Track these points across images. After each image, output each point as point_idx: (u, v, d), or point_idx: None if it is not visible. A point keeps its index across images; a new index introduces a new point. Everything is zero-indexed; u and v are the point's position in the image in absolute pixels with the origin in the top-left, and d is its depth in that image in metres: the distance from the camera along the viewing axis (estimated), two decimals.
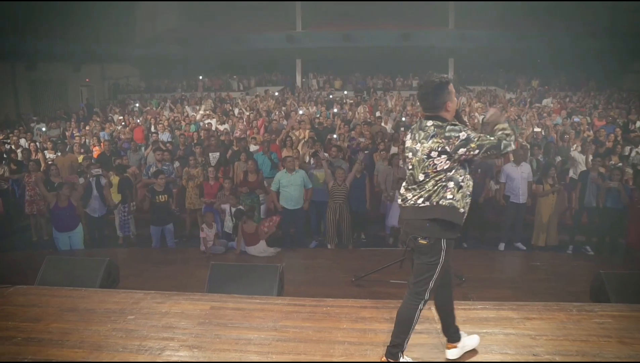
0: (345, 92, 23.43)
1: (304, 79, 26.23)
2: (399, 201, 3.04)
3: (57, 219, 7.24)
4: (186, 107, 17.31)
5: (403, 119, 14.05)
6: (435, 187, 2.83)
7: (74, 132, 13.34)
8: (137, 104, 19.04)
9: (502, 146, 2.79)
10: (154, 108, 18.06)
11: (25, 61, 18.38)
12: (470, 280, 5.89)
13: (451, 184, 2.83)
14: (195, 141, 11.02)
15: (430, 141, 2.81)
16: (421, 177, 2.86)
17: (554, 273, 6.36)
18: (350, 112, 15.61)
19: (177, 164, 9.39)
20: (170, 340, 3.44)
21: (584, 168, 8.59)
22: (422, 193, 2.86)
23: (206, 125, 13.13)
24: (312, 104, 18.03)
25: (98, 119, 14.98)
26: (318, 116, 14.50)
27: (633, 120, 12.91)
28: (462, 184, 2.87)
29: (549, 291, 5.48)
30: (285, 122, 13.95)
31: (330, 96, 21.50)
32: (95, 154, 10.74)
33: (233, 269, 4.67)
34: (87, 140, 12.06)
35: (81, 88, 22.73)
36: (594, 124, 12.49)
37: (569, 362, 3.10)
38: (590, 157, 8.49)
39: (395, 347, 2.95)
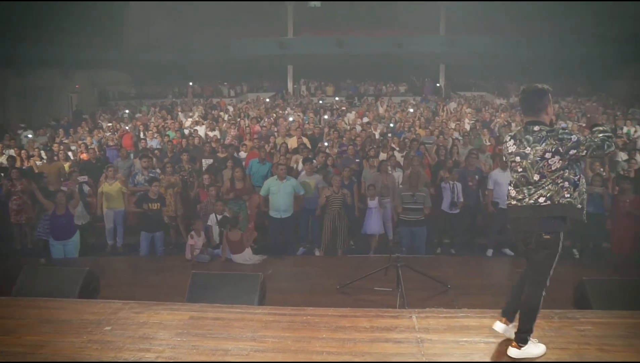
0: (337, 98, 23.45)
1: (295, 86, 26.23)
2: (512, 202, 3.27)
3: (55, 228, 7.18)
4: (178, 114, 17.23)
5: (391, 125, 14.06)
6: (555, 186, 3.11)
7: (62, 139, 13.24)
8: (127, 111, 18.95)
9: (605, 147, 3.07)
10: (145, 115, 18.01)
11: (14, 67, 18.26)
12: (456, 286, 5.87)
13: (567, 184, 3.12)
14: (183, 148, 10.95)
15: (544, 144, 3.11)
16: (536, 177, 3.14)
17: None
18: (340, 119, 15.61)
19: (159, 171, 9.28)
20: (147, 351, 3.38)
21: None
22: (542, 192, 3.13)
23: (193, 132, 13.04)
24: (301, 110, 18.01)
25: (87, 127, 14.89)
26: (307, 122, 14.48)
27: (620, 125, 12.99)
28: (577, 183, 3.14)
29: None
30: (275, 128, 13.94)
31: (321, 102, 21.52)
32: (82, 161, 10.65)
33: (214, 278, 4.62)
34: (74, 147, 11.96)
35: (70, 95, 22.60)
36: (582, 130, 12.53)
37: None
38: None
39: (526, 332, 3.23)
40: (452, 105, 19.03)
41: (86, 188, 7.96)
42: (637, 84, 21.39)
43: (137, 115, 18.17)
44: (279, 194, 7.73)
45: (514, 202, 3.25)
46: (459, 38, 23.77)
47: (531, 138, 3.15)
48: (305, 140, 11.36)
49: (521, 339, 3.22)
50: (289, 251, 7.97)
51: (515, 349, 3.23)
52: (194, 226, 7.56)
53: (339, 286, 5.88)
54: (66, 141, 12.86)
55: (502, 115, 15.10)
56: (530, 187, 3.16)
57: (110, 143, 12.40)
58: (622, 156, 9.67)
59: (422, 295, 5.57)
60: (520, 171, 3.20)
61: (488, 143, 11.15)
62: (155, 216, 7.66)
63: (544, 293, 3.21)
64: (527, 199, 3.17)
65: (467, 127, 13.44)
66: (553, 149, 3.07)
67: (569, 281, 4.91)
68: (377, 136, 12.73)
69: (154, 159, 9.33)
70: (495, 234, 8.14)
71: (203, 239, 7.44)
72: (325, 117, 16.37)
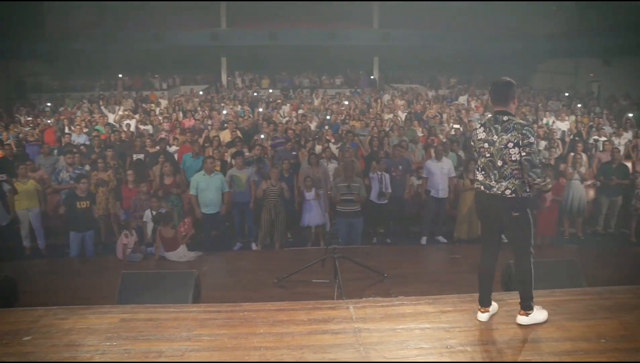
0: (271, 90, 23.26)
1: (229, 78, 25.74)
2: (481, 187, 3.56)
3: None
4: (103, 108, 16.38)
5: (328, 117, 14.13)
6: (519, 181, 3.41)
7: None
8: (49, 104, 17.80)
9: (534, 176, 3.36)
10: (69, 108, 16.99)
11: None
12: (392, 275, 6.00)
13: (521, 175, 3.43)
14: (111, 143, 10.44)
15: (509, 134, 3.39)
16: (500, 163, 3.44)
17: (472, 265, 6.59)
18: (275, 111, 15.49)
19: (87, 167, 8.82)
20: (73, 358, 3.19)
21: None
22: (509, 184, 3.43)
23: (125, 126, 12.50)
24: (237, 103, 17.70)
25: (2, 122, 13.82)
26: (242, 115, 14.25)
27: (540, 117, 13.77)
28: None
29: (467, 282, 5.63)
30: (210, 122, 13.61)
31: (255, 94, 21.26)
32: None
33: (146, 277, 4.44)
34: None
35: None
36: None
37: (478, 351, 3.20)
38: None
39: (529, 299, 3.51)
40: (386, 97, 19.38)
41: (6, 187, 7.38)
42: (555, 78, 22.84)
43: (60, 109, 17.10)
44: (208, 190, 7.58)
45: (482, 187, 3.55)
46: (392, 32, 24.22)
47: (499, 127, 3.44)
48: (239, 133, 11.17)
49: (527, 306, 3.50)
50: (225, 247, 7.83)
51: (523, 317, 3.50)
52: (124, 224, 7.25)
53: (277, 280, 5.85)
54: None
55: (434, 107, 15.56)
56: (495, 172, 3.47)
57: (30, 139, 11.60)
58: (543, 144, 10.24)
59: (359, 285, 5.65)
60: (488, 156, 3.50)
61: (421, 134, 11.45)
62: (84, 215, 7.24)
63: (532, 259, 3.54)
64: (495, 189, 3.47)
65: (401, 118, 13.74)
66: (515, 141, 3.37)
67: (500, 265, 5.15)
68: (313, 129, 12.74)
69: (79, 156, 8.78)
70: (429, 222, 8.39)
71: (135, 237, 7.15)
72: (260, 110, 16.19)
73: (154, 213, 7.46)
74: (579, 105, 16.42)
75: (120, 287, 4.19)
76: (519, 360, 3.12)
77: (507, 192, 3.43)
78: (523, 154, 3.35)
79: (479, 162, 3.59)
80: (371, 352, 3.21)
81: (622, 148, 10.57)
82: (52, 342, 3.40)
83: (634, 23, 17.58)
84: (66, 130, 12.69)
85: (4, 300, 4.17)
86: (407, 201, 8.65)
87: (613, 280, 4.65)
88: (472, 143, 3.64)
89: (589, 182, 8.74)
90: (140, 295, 4.10)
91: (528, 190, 3.46)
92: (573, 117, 13.42)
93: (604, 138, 10.83)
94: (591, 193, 8.77)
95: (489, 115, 3.54)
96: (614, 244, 8.36)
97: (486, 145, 3.49)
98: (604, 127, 11.91)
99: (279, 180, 7.81)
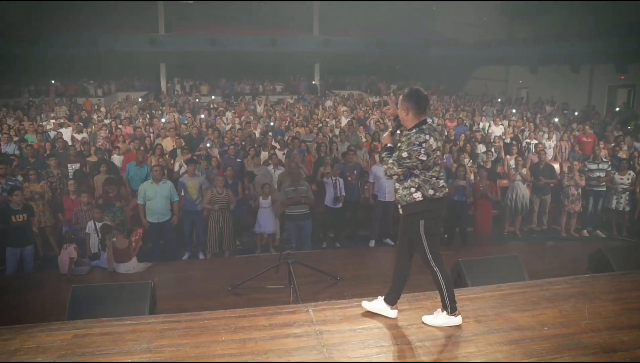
0: (213, 97, 22.95)
1: (168, 84, 25.14)
2: (445, 190, 3.54)
3: None
4: (39, 115, 15.54)
5: (272, 124, 14.17)
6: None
7: None
8: None
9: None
10: None
11: None
12: (344, 278, 6.11)
13: None
14: (48, 153, 9.95)
15: (440, 139, 3.54)
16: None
17: (419, 265, 6.83)
18: (218, 118, 15.34)
19: (20, 178, 8.36)
20: None
21: None
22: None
23: (58, 134, 11.92)
24: (178, 110, 17.35)
25: None
26: (185, 122, 14.00)
27: (477, 121, 14.47)
28: None
29: (416, 282, 5.85)
30: (151, 129, 13.28)
31: (197, 100, 20.92)
32: None
33: (98, 290, 4.28)
34: None
35: None
36: (446, 126, 13.77)
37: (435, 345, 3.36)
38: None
39: (443, 300, 3.59)
40: (328, 103, 19.68)
41: None
42: (489, 84, 24.07)
43: None
44: (156, 199, 7.41)
45: (445, 191, 3.57)
46: (332, 38, 24.61)
47: (437, 133, 3.53)
48: (179, 141, 10.97)
49: (454, 309, 3.61)
50: (173, 257, 7.67)
51: (427, 316, 3.69)
52: (66, 237, 6.92)
53: (231, 288, 5.81)
54: None
55: (376, 113, 15.96)
56: (443, 175, 3.58)
57: None
58: (481, 148, 10.79)
59: (313, 289, 5.72)
60: (440, 163, 3.56)
61: (364, 140, 11.73)
62: (21, 229, 6.85)
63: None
64: (446, 190, 3.58)
65: (344, 124, 14.00)
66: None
67: (446, 264, 5.38)
68: (257, 135, 12.73)
69: (12, 166, 8.31)
70: (377, 226, 8.61)
71: (76, 250, 6.84)
72: (202, 116, 15.97)
73: (98, 224, 7.19)
74: (514, 110, 17.41)
75: (70, 302, 4.02)
76: (471, 351, 3.30)
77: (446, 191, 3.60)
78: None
79: (434, 171, 3.47)
80: (334, 353, 3.29)
81: (550, 151, 11.35)
82: None
83: (555, 34, 18.96)
84: None
85: None
86: (360, 205, 8.86)
87: (550, 273, 5.00)
88: (426, 156, 3.37)
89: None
90: (93, 309, 3.96)
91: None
92: (506, 122, 14.20)
93: (535, 141, 11.55)
94: (527, 192, 9.35)
95: (429, 122, 3.50)
96: (548, 239, 8.97)
97: (438, 152, 3.52)
98: (536, 131, 12.70)
99: (224, 187, 7.76)
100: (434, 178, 3.48)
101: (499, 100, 20.80)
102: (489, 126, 13.80)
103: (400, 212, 3.63)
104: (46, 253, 7.78)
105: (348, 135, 11.94)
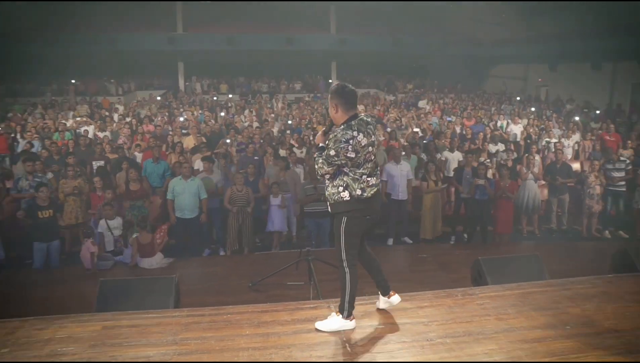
0: (230, 95, 23.13)
1: (187, 83, 25.41)
2: (375, 189, 3.43)
3: None
4: (61, 113, 15.86)
5: (289, 122, 14.24)
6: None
7: None
8: None
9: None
10: (18, 114, 16.32)
11: None
12: (363, 275, 6.09)
13: None
14: (70, 150, 10.16)
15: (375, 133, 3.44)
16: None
17: (439, 263, 6.87)
18: (236, 117, 15.47)
19: (50, 175, 8.56)
20: None
21: (455, 165, 9.42)
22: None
23: (82, 132, 12.16)
24: (197, 108, 17.54)
25: None
26: (203, 121, 14.16)
27: (495, 120, 14.37)
28: None
29: (436, 280, 5.91)
30: (169, 127, 13.45)
31: (215, 98, 21.11)
32: None
33: (124, 284, 4.39)
34: None
35: None
36: (464, 125, 13.70)
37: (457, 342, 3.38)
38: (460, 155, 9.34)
39: (341, 302, 3.57)
40: None
41: None
42: (507, 82, 23.84)
43: (9, 115, 16.40)
44: (184, 195, 7.53)
45: (375, 189, 3.45)
46: (349, 37, 24.62)
47: (372, 128, 3.39)
48: (202, 138, 11.11)
49: (340, 308, 3.58)
50: (194, 253, 7.79)
51: (319, 321, 3.62)
52: (86, 232, 7.08)
53: (251, 284, 5.89)
54: None
55: (394, 111, 15.94)
56: (377, 172, 3.48)
57: None
58: (501, 146, 10.72)
59: (333, 286, 5.69)
60: (373, 159, 3.43)
61: (382, 138, 11.73)
62: (48, 225, 7.01)
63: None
64: (376, 189, 3.47)
65: None
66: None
67: (465, 262, 5.41)
68: (275, 134, 12.81)
69: (39, 163, 8.50)
70: (393, 224, 8.61)
71: (94, 244, 6.98)
72: (222, 114, 16.12)
73: (109, 221, 7.33)
74: (532, 108, 17.22)
75: (98, 295, 4.13)
76: (492, 348, 3.32)
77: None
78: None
79: (365, 168, 3.37)
80: (356, 348, 3.33)
81: (570, 150, 11.23)
82: (33, 352, 3.33)
83: (576, 31, 18.66)
84: (18, 137, 12.24)
85: None
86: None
87: (572, 273, 4.97)
88: (354, 153, 3.27)
89: (542, 182, 9.24)
90: (120, 302, 4.06)
91: None
92: (525, 120, 14.08)
93: (554, 140, 11.45)
94: (545, 192, 9.26)
95: (361, 116, 3.39)
96: (569, 240, 8.87)
97: (370, 148, 3.38)
98: (553, 129, 12.58)
99: (244, 185, 7.85)
100: (364, 176, 3.37)
101: (518, 98, 20.59)
102: (507, 124, 13.70)
103: (329, 210, 3.54)
104: (73, 248, 7.93)
105: None
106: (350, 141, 3.25)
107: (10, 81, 23.10)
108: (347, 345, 3.37)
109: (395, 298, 3.79)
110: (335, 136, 3.29)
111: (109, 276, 5.80)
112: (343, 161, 3.30)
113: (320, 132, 3.59)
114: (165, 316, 3.85)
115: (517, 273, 4.58)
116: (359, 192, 3.36)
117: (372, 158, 3.41)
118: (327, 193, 3.49)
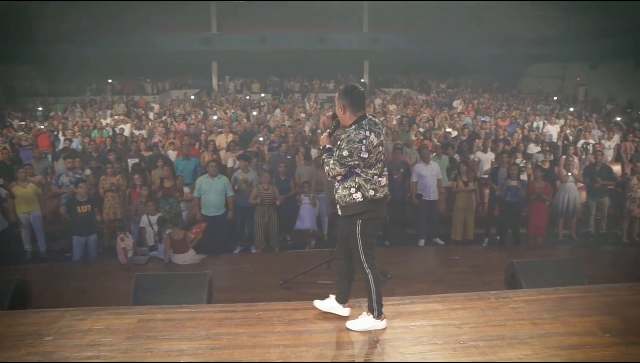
0: (263, 95, 23.35)
1: (220, 82, 25.79)
2: (386, 190, 3.42)
3: None
4: (99, 112, 16.36)
5: None
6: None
7: None
8: (40, 109, 17.69)
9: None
10: (60, 113, 16.91)
11: None
12: (394, 276, 6.12)
13: None
14: (108, 148, 10.45)
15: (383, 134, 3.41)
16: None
17: (471, 265, 6.77)
18: (269, 116, 15.61)
19: (88, 172, 8.83)
20: (96, 358, 3.24)
21: (488, 166, 9.25)
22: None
23: (119, 130, 12.49)
24: (230, 107, 17.79)
25: None
26: (235, 119, 14.33)
27: (530, 120, 14.04)
28: None
29: (468, 282, 5.81)
30: (203, 126, 13.67)
31: (247, 98, 21.35)
32: None
33: (159, 279, 4.50)
34: None
35: None
36: (498, 125, 13.44)
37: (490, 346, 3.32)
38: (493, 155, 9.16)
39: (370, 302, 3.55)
40: (377, 101, 19.58)
41: (3, 192, 7.37)
42: (544, 82, 23.25)
43: (51, 113, 17.02)
44: (211, 193, 7.64)
45: (387, 190, 3.43)
46: (382, 36, 24.50)
47: (380, 128, 3.37)
48: (234, 137, 11.24)
49: (370, 307, 3.55)
50: (223, 250, 7.89)
51: (351, 321, 3.61)
52: (120, 227, 7.28)
53: (282, 282, 5.93)
54: None
55: (427, 111, 15.77)
56: (386, 173, 3.44)
57: (24, 143, 11.57)
58: (534, 148, 10.47)
59: (363, 286, 5.75)
60: (383, 159, 3.41)
61: (414, 138, 11.62)
62: (86, 219, 7.24)
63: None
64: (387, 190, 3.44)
65: (394, 122, 13.92)
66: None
67: (499, 265, 5.31)
68: (307, 133, 12.85)
69: (79, 160, 8.77)
70: (425, 225, 8.52)
71: (132, 240, 7.16)
72: (255, 113, 16.28)
73: (152, 217, 7.49)
74: (571, 108, 16.74)
75: (134, 289, 4.24)
76: (527, 353, 3.25)
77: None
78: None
79: (376, 168, 3.35)
80: (387, 348, 3.32)
81: (610, 151, 10.87)
82: (74, 341, 3.45)
83: (618, 28, 18.02)
84: (60, 135, 12.67)
85: (19, 303, 4.21)
86: (401, 205, 8.79)
87: (611, 279, 4.81)
88: (367, 153, 3.25)
89: (580, 184, 8.97)
90: (155, 296, 4.16)
91: None
92: (562, 121, 13.71)
93: (593, 141, 11.10)
94: (583, 195, 8.99)
95: (369, 116, 3.36)
96: (608, 244, 8.59)
97: (381, 148, 3.36)
98: (592, 130, 12.20)
99: (270, 183, 7.90)
100: (376, 176, 3.34)
101: (555, 98, 20.05)
102: (543, 125, 13.36)
103: (340, 213, 3.52)
104: (112, 242, 8.14)
105: (398, 133, 11.87)
106: (364, 141, 3.23)
107: (53, 81, 24.01)
108: (378, 345, 3.36)
109: (347, 311, 3.71)
110: (349, 136, 3.26)
111: (143, 271, 5.95)
112: (356, 162, 3.27)
113: (325, 134, 3.55)
114: (198, 311, 3.92)
115: (553, 278, 4.46)
116: (371, 193, 3.34)
117: (382, 158, 3.40)
118: (336, 195, 3.46)
